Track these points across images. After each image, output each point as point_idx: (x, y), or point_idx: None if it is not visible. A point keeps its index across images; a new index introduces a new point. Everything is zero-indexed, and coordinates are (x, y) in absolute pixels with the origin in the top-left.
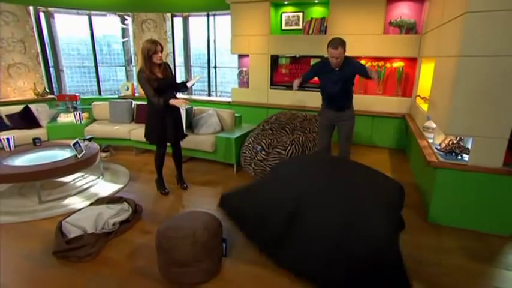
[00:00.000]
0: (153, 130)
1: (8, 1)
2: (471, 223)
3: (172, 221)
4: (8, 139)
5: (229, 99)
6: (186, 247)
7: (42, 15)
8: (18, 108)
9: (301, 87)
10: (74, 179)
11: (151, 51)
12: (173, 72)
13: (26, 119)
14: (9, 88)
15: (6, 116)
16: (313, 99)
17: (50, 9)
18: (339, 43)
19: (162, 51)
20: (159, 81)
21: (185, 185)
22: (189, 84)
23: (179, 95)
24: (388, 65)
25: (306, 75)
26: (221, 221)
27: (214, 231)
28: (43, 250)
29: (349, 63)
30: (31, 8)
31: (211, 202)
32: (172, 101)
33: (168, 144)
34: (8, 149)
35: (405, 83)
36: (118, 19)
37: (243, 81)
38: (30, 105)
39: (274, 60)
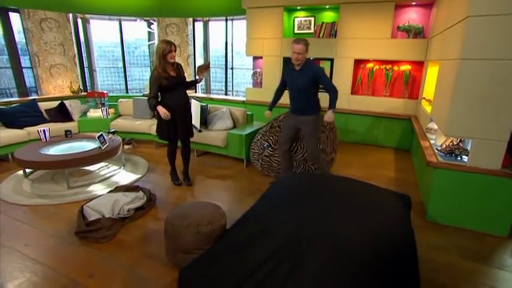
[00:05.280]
0: (163, 127)
1: (51, 9)
2: (468, 223)
3: (180, 209)
4: (44, 131)
5: (244, 99)
6: (189, 235)
7: (79, 21)
8: (55, 103)
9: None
10: (98, 168)
11: (166, 50)
12: (184, 72)
13: (61, 113)
14: (50, 86)
15: (45, 110)
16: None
17: (87, 15)
18: (302, 40)
19: (175, 51)
20: (169, 79)
21: (190, 182)
22: (199, 79)
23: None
24: (395, 68)
25: (278, 87)
26: (226, 213)
27: (218, 222)
28: (67, 230)
29: (311, 67)
30: (70, 15)
31: (220, 194)
32: (159, 108)
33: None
34: (44, 139)
35: (412, 86)
36: (145, 24)
37: (257, 81)
38: (65, 101)
39: (287, 62)
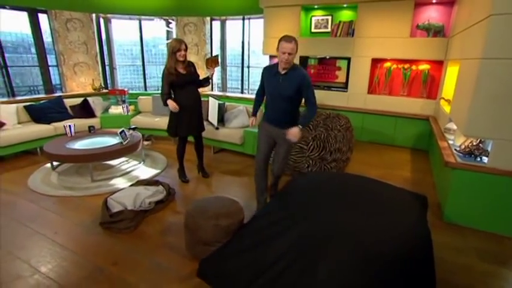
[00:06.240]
0: (172, 124)
1: (76, 10)
2: (488, 225)
3: (200, 203)
4: (70, 126)
5: None
6: (209, 228)
7: (102, 21)
8: (79, 100)
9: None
10: (119, 163)
11: (175, 48)
12: (196, 70)
13: (84, 109)
14: (74, 83)
15: (70, 106)
16: (331, 98)
17: (108, 15)
18: (293, 38)
19: (185, 50)
20: (178, 76)
21: (207, 175)
22: (210, 76)
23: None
24: (414, 67)
25: (258, 90)
26: (243, 207)
27: (236, 217)
28: (92, 220)
29: (300, 73)
30: (94, 15)
31: (236, 190)
32: (169, 102)
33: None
34: (70, 134)
35: (430, 86)
36: (164, 23)
37: None
38: (88, 98)
39: (304, 61)
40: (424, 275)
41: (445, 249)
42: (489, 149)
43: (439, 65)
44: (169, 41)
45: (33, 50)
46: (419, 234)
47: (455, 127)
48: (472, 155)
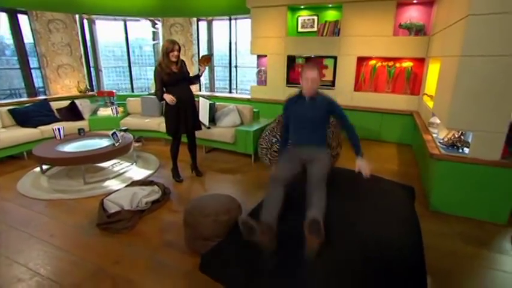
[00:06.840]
0: (168, 123)
1: (58, 10)
2: (470, 211)
3: (198, 201)
4: (59, 129)
5: (249, 96)
6: (208, 224)
7: (85, 22)
8: (66, 103)
9: None
10: (111, 165)
11: (169, 49)
12: (187, 69)
13: (72, 112)
14: (58, 86)
15: (57, 109)
16: None
17: (92, 16)
18: (315, 65)
19: (178, 51)
20: (170, 74)
21: (200, 174)
22: (200, 73)
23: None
24: (397, 64)
25: (284, 125)
26: (240, 204)
27: (234, 212)
28: (88, 222)
29: (326, 97)
30: (77, 16)
31: (230, 187)
32: (165, 96)
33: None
34: (59, 137)
35: (413, 82)
36: (149, 24)
37: (261, 79)
38: (75, 101)
39: (291, 60)
40: (415, 263)
41: (432, 236)
42: (470, 140)
43: (421, 62)
44: (156, 41)
45: (7, 52)
46: (411, 223)
47: (438, 121)
48: (455, 147)
